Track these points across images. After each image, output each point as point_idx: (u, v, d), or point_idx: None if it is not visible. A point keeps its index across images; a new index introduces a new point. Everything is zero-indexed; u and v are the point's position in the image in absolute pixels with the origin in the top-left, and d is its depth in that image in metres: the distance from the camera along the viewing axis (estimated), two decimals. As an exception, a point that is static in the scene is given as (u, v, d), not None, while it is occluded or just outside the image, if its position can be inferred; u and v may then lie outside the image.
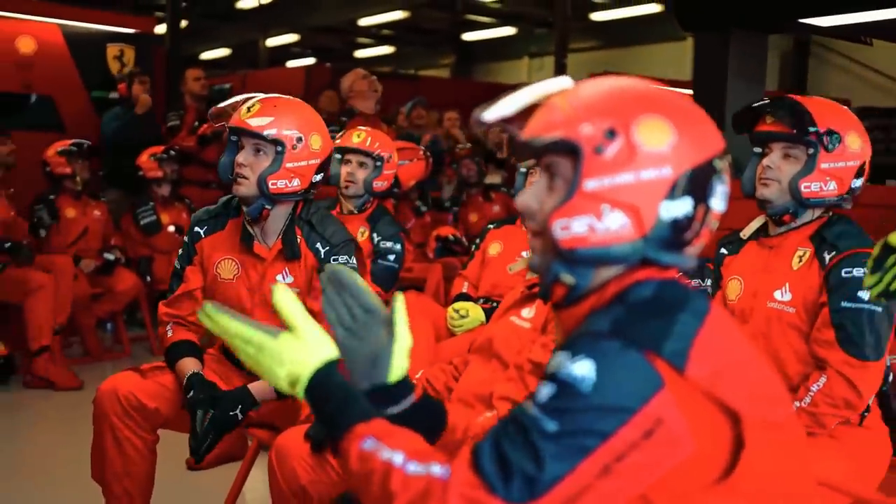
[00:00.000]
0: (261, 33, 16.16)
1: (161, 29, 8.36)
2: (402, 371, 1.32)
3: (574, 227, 1.13)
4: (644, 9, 13.90)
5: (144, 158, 5.69)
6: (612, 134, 1.12)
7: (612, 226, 1.12)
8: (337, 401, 1.20)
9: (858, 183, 2.24)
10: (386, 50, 19.55)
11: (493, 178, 6.87)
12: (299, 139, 2.41)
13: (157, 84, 7.20)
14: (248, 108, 2.40)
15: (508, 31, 16.94)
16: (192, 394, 2.32)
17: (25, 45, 6.48)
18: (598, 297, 1.17)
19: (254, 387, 2.36)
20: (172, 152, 5.75)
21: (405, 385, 1.37)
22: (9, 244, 4.76)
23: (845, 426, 2.19)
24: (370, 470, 1.12)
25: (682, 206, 1.13)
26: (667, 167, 1.12)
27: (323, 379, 1.22)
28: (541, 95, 1.22)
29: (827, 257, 2.18)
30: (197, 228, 2.56)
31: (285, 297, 1.25)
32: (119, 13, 7.74)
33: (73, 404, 4.44)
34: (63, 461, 3.58)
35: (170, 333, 2.51)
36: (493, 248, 3.68)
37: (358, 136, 3.65)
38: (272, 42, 16.77)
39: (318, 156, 2.46)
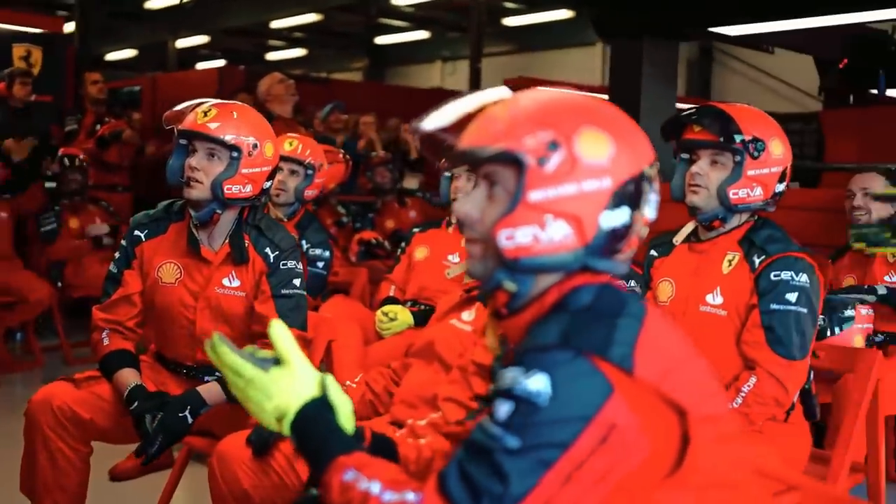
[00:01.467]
0: (170, 34, 15.82)
1: (69, 28, 8.11)
2: (351, 428, 1.33)
3: (518, 237, 1.17)
4: (555, 14, 14.16)
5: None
6: (554, 146, 1.17)
7: (556, 236, 1.16)
8: (321, 435, 1.23)
9: (781, 187, 2.34)
10: (298, 53, 19.38)
11: (410, 183, 6.91)
12: (255, 146, 2.43)
13: (67, 84, 7.01)
14: (205, 113, 2.39)
15: (421, 34, 17.00)
16: (136, 404, 2.29)
17: (-76, 44, 6.24)
18: (539, 306, 1.21)
19: (202, 389, 2.35)
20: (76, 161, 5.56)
21: (356, 437, 1.38)
22: None
23: (772, 422, 2.30)
24: (350, 499, 1.15)
25: (620, 216, 1.18)
26: (607, 178, 1.17)
27: (309, 414, 1.24)
28: (479, 105, 1.27)
29: (757, 261, 2.27)
30: (137, 232, 2.53)
31: (281, 331, 1.27)
32: (26, 13, 7.49)
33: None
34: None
35: (106, 341, 2.46)
36: (420, 252, 3.71)
37: (290, 144, 3.63)
38: (181, 44, 16.44)
39: (270, 163, 2.49)
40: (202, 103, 2.45)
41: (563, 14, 14.00)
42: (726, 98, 12.83)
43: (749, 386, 2.21)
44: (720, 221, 2.34)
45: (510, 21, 15.09)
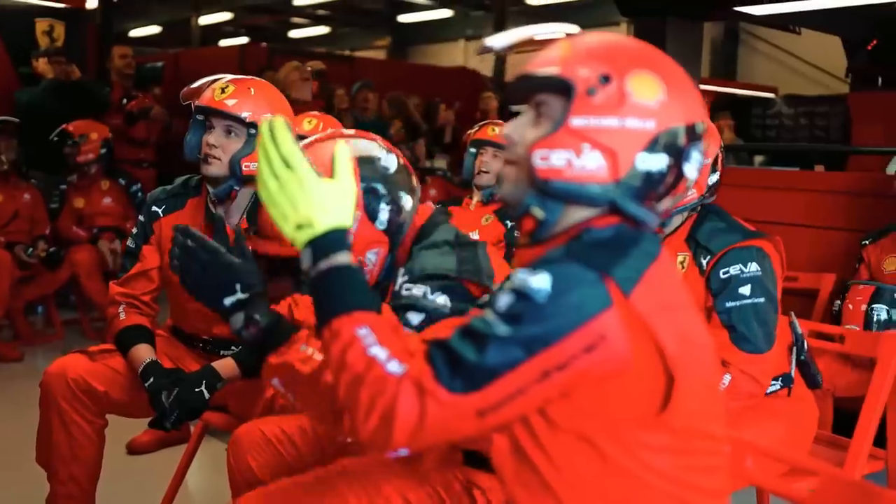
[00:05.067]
0: (193, 11, 15.84)
1: (91, 4, 8.11)
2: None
3: (553, 159, 1.18)
4: (579, -7, 14.06)
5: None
6: (605, 79, 1.18)
7: (589, 165, 1.17)
8: (347, 275, 1.18)
9: (715, 178, 2.30)
10: (321, 30, 19.34)
11: (439, 163, 6.90)
12: None
13: (88, 60, 7.01)
14: (222, 90, 2.38)
15: (445, 13, 16.93)
16: (152, 380, 2.28)
17: (-53, 19, 6.27)
18: (561, 240, 1.22)
19: (218, 364, 2.34)
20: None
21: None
22: None
23: (775, 398, 2.30)
24: (349, 358, 1.12)
25: (657, 161, 1.18)
26: (651, 121, 1.18)
27: (338, 240, 1.20)
28: (545, 34, 1.33)
29: (704, 262, 2.26)
30: (155, 208, 2.53)
31: (344, 149, 1.25)
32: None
33: (12, 386, 4.36)
34: (11, 445, 3.49)
35: (122, 316, 2.47)
36: (440, 230, 3.70)
37: (309, 123, 3.51)
38: (204, 20, 16.46)
39: None
40: (219, 79, 2.43)
41: (588, -7, 13.89)
42: (752, 80, 12.69)
43: (724, 385, 2.19)
44: (660, 227, 2.28)
45: (533, 0, 14.99)
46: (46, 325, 5.59)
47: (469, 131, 3.79)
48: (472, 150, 3.63)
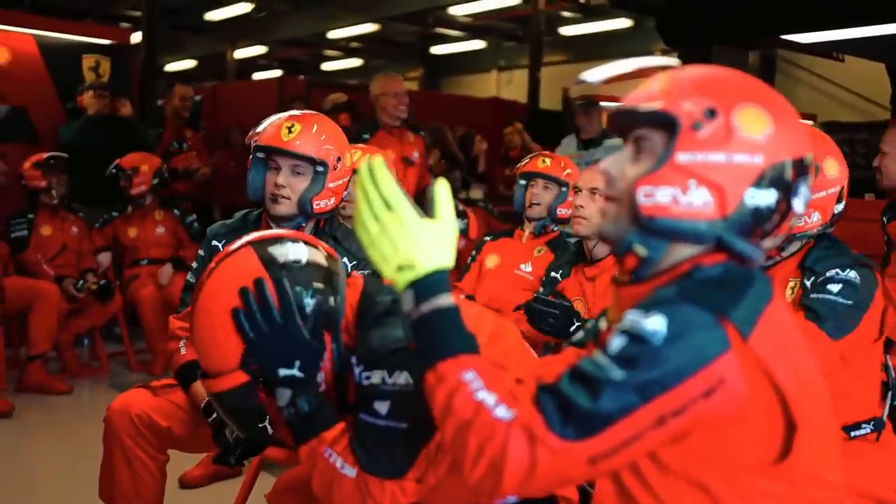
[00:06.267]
0: (228, 45, 16.06)
1: (135, 39, 8.24)
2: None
3: (658, 196, 1.15)
4: (612, 24, 14.06)
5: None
6: (711, 113, 1.15)
7: (696, 201, 1.14)
8: (448, 319, 1.16)
9: (840, 207, 2.26)
10: (354, 63, 19.51)
11: (475, 193, 6.89)
12: (339, 159, 2.43)
13: (133, 95, 7.11)
14: (289, 129, 2.38)
15: (477, 44, 17.01)
16: (214, 416, 2.26)
17: (-1, 55, 6.37)
18: (666, 278, 1.18)
19: None
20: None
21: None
22: None
23: (863, 442, 2.24)
24: (456, 403, 1.10)
25: (766, 197, 1.15)
26: (759, 155, 1.15)
27: (441, 283, 1.17)
28: (645, 67, 1.25)
29: (808, 283, 2.22)
30: (215, 242, 2.52)
31: (444, 189, 1.22)
32: (95, 24, 7.62)
33: (59, 419, 4.37)
34: (60, 479, 3.49)
35: (183, 351, 2.45)
36: (491, 261, 3.67)
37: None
38: (239, 54, 16.68)
39: (349, 173, 2.48)
40: (280, 118, 2.43)
41: (621, 24, 13.88)
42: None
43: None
44: (777, 250, 2.26)
45: (567, 30, 15.02)
46: (92, 357, 5.62)
47: (519, 164, 3.78)
48: (523, 181, 3.60)
